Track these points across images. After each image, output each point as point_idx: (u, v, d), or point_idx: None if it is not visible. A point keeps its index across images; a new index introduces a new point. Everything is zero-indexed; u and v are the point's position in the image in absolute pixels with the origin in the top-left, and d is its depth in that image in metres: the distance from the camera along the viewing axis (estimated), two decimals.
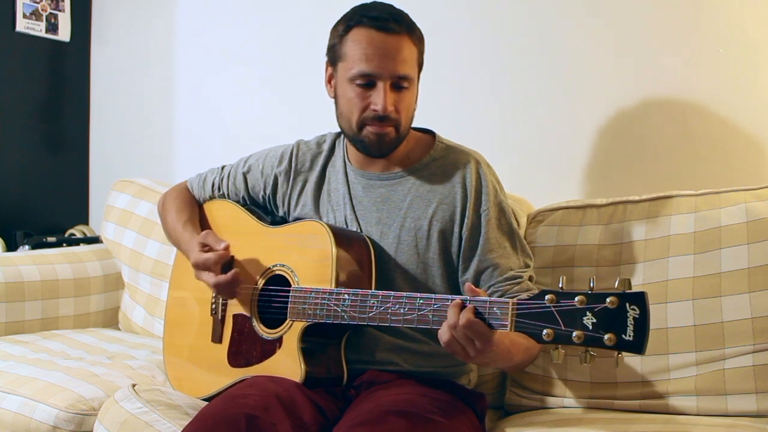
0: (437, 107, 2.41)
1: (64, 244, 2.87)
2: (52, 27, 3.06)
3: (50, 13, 3.05)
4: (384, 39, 1.57)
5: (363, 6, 1.64)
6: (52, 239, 2.90)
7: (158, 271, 2.42)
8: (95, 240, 2.92)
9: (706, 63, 2.04)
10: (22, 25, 2.97)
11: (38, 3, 3.01)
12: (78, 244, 2.88)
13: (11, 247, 2.89)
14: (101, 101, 3.21)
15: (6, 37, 2.94)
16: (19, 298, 2.35)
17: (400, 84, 1.59)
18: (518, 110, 2.31)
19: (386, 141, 1.62)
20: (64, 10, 3.09)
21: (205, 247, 1.69)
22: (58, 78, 3.13)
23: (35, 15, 3.01)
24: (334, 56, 1.65)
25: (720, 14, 2.02)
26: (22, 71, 3.01)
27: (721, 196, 1.76)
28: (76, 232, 3.06)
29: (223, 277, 1.65)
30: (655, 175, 2.11)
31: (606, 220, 1.86)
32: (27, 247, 2.79)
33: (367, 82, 1.58)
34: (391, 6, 1.63)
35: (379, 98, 1.58)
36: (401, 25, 1.59)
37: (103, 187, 3.06)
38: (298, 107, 2.65)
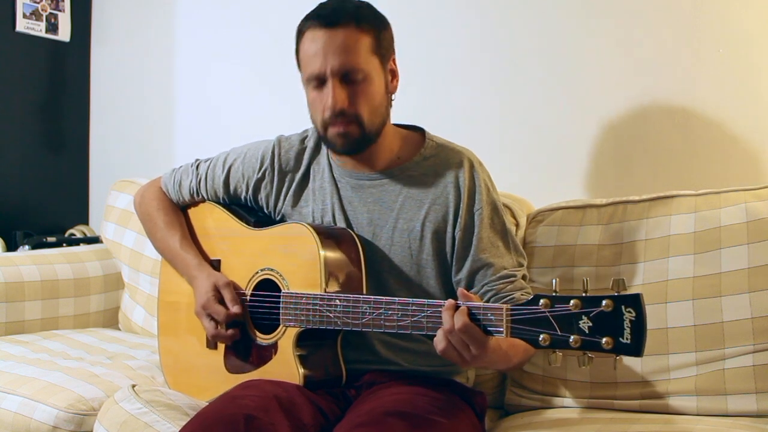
0: (437, 106, 2.42)
1: (64, 244, 2.87)
2: (52, 27, 3.06)
3: (50, 13, 3.05)
4: (327, 35, 1.53)
5: (317, 5, 1.61)
6: (52, 239, 2.90)
7: (158, 271, 2.40)
8: (95, 240, 2.92)
9: (706, 63, 2.04)
10: (22, 25, 2.97)
11: (38, 3, 3.01)
12: (78, 244, 2.88)
13: (11, 247, 2.89)
14: (101, 101, 3.21)
15: (6, 37, 2.94)
16: (19, 298, 2.35)
17: (350, 78, 1.53)
18: (518, 110, 2.31)
19: (351, 140, 1.57)
20: (64, 10, 3.09)
21: (218, 295, 1.66)
22: (58, 78, 3.13)
23: (35, 15, 3.01)
24: (297, 64, 1.63)
25: (720, 14, 2.02)
26: (22, 71, 3.01)
27: (721, 196, 1.76)
28: (76, 232, 3.07)
29: (223, 333, 1.65)
30: (655, 175, 2.11)
31: (606, 220, 1.86)
32: (27, 247, 2.79)
33: (319, 83, 1.56)
34: (342, 1, 1.59)
35: (329, 96, 1.54)
36: (346, 16, 1.54)
37: (103, 187, 3.06)
38: (298, 107, 2.64)
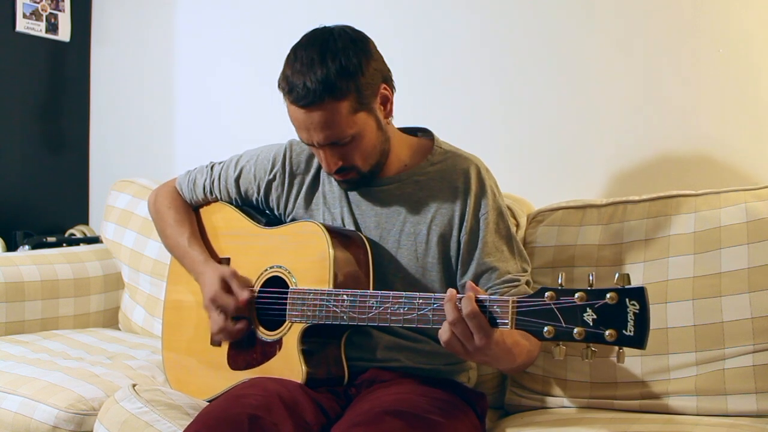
0: (438, 106, 2.42)
1: (64, 244, 2.87)
2: (52, 27, 3.06)
3: (50, 13, 3.05)
4: (304, 114, 1.53)
5: (288, 64, 1.55)
6: (52, 239, 2.90)
7: (158, 271, 2.42)
8: (95, 240, 2.92)
9: (706, 63, 2.04)
10: (22, 25, 2.97)
11: (38, 3, 3.01)
12: (78, 244, 2.88)
13: (11, 247, 2.89)
14: (101, 101, 3.21)
15: (6, 37, 2.94)
16: (19, 298, 2.35)
17: (339, 143, 1.55)
18: (519, 110, 2.32)
19: (353, 183, 1.66)
20: (64, 10, 3.10)
21: (226, 285, 1.67)
22: (58, 78, 3.13)
23: (35, 15, 3.01)
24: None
25: (720, 14, 2.02)
26: (22, 71, 3.01)
27: (721, 196, 1.76)
28: (76, 232, 3.07)
29: (230, 327, 1.65)
30: (655, 175, 2.11)
31: (606, 220, 1.86)
32: (27, 247, 2.79)
33: (310, 144, 1.59)
34: (311, 61, 1.51)
35: (322, 160, 1.61)
36: (318, 93, 1.49)
37: (103, 187, 3.06)
38: None
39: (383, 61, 1.61)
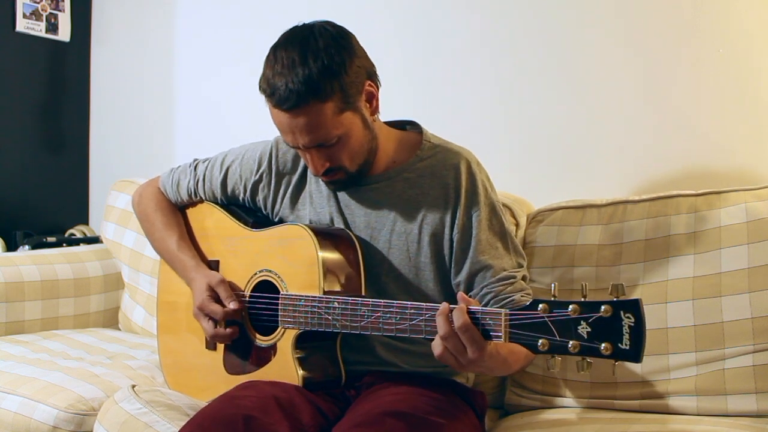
0: (440, 107, 2.41)
1: (64, 244, 2.87)
2: (52, 27, 3.06)
3: (50, 13, 3.05)
4: (288, 118, 1.48)
5: (269, 65, 1.50)
6: (52, 239, 2.91)
7: (158, 271, 2.41)
8: (95, 240, 2.93)
9: (706, 63, 2.04)
10: (22, 25, 2.97)
11: (38, 3, 3.01)
12: (78, 244, 2.88)
13: (11, 247, 2.89)
14: (101, 101, 3.21)
15: (6, 37, 2.94)
16: (19, 298, 2.36)
17: (325, 144, 1.51)
18: (519, 110, 2.31)
19: (341, 184, 1.61)
20: (64, 10, 3.10)
21: (213, 293, 1.66)
22: (58, 78, 3.13)
23: (35, 15, 3.01)
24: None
25: (720, 14, 2.02)
26: (22, 71, 3.01)
27: (721, 196, 1.76)
28: (76, 232, 3.07)
29: (222, 332, 1.64)
30: (655, 175, 2.11)
31: (606, 220, 1.86)
32: (27, 247, 2.79)
33: (295, 147, 1.56)
34: (292, 62, 1.46)
35: (309, 162, 1.57)
36: (301, 95, 1.44)
37: (103, 187, 3.06)
38: None
39: (367, 57, 1.56)
